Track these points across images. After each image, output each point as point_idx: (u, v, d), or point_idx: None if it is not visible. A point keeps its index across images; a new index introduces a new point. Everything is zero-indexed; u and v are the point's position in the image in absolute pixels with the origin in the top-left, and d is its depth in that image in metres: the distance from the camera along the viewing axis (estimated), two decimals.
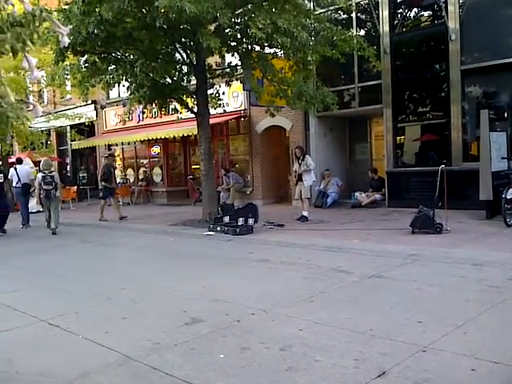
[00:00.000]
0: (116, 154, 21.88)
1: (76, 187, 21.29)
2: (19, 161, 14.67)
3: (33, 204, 15.37)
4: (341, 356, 3.67)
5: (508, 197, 9.07)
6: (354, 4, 13.03)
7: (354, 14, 13.48)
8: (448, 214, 8.91)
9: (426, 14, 13.18)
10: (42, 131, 20.84)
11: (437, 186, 9.06)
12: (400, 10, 13.26)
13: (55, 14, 9.92)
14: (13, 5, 1.72)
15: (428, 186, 10.50)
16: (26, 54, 1.70)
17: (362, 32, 13.86)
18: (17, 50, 1.66)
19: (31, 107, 1.95)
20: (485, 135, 9.91)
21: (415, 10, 13.21)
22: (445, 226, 8.70)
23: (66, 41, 1.85)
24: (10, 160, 21.14)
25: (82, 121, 20.50)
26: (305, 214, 11.37)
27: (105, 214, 13.88)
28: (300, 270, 6.75)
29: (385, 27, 12.87)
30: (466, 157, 11.87)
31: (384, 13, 12.86)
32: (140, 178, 20.81)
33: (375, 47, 12.14)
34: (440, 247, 7.56)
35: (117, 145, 21.18)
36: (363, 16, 13.98)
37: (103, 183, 14.07)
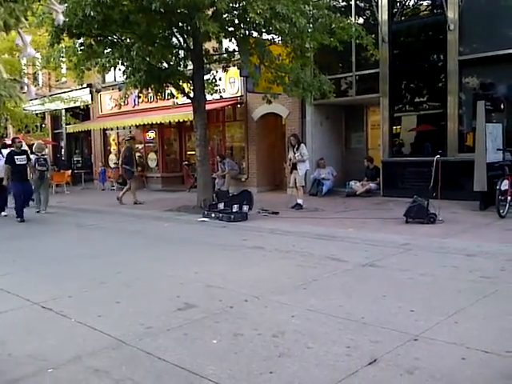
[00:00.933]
0: (111, 139, 21.82)
1: (70, 171, 21.20)
2: (4, 145, 14.46)
3: None
4: (333, 343, 3.69)
5: (502, 188, 9.10)
6: None
7: (353, 2, 13.39)
8: (442, 205, 8.94)
9: (425, 3, 13.10)
10: (36, 114, 20.70)
11: (432, 176, 9.07)
12: None
13: None
14: None
15: (423, 176, 10.51)
16: (20, 31, 1.67)
17: (361, 20, 13.77)
18: (10, 26, 1.63)
19: (25, 89, 1.93)
20: (481, 126, 9.91)
21: None
22: (438, 216, 8.73)
23: (61, 18, 1.82)
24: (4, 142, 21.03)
25: (77, 104, 20.37)
26: (299, 201, 11.38)
27: (107, 198, 13.99)
28: (294, 257, 6.77)
29: (384, 15, 12.79)
30: (462, 148, 11.89)
31: (383, 1, 12.77)
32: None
33: (373, 36, 12.07)
34: (433, 237, 7.59)
35: (112, 129, 21.07)
36: (362, 4, 13.88)
37: (125, 166, 14.14)
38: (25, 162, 11.53)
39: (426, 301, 4.62)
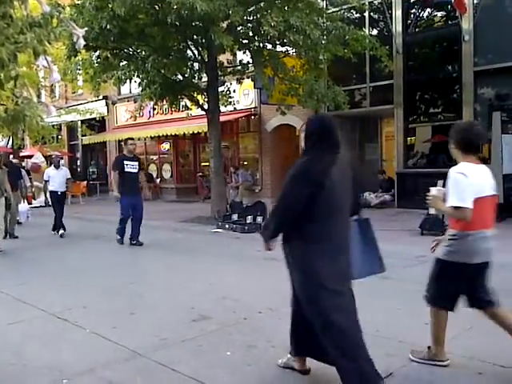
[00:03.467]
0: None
1: (86, 182, 21.40)
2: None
3: (41, 199, 15.41)
4: None
5: None
6: (366, 3, 12.97)
7: (366, 14, 13.41)
8: None
9: (439, 14, 13.09)
10: (53, 126, 20.96)
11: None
12: (413, 10, 13.17)
13: (68, 9, 9.96)
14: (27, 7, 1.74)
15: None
16: (47, 58, 1.73)
17: (375, 31, 13.79)
18: (39, 53, 1.68)
19: (45, 108, 1.98)
20: (497, 137, 9.83)
21: (428, 10, 13.13)
22: None
23: (82, 43, 1.88)
24: (22, 154, 21.34)
25: (93, 116, 20.60)
26: None
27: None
28: None
29: (398, 27, 12.80)
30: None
31: (397, 12, 12.79)
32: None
33: (387, 47, 12.08)
34: None
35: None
36: (376, 15, 13.91)
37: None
38: (136, 170, 9.28)
39: None
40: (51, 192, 10.82)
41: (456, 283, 3.41)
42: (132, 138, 10.20)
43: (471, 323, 4.24)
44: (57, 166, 11.06)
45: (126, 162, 9.13)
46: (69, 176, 11.26)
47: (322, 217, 3.04)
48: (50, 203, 10.97)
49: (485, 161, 11.07)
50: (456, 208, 3.22)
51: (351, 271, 3.29)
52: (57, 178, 10.77)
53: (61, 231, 10.79)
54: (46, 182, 10.92)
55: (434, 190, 3.57)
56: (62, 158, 12.47)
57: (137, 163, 9.36)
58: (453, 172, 3.34)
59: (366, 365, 2.97)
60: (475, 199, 3.21)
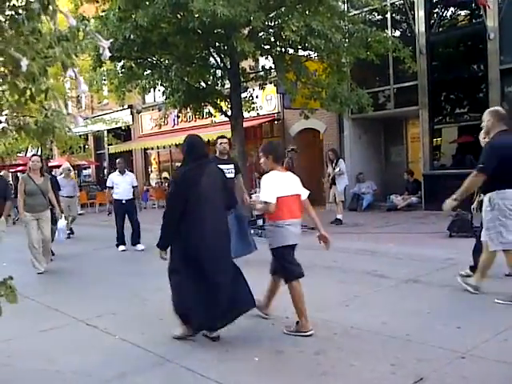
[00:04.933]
0: (152, 158, 22.24)
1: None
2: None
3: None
4: (377, 361, 3.62)
5: None
6: (388, 5, 12.87)
7: (388, 15, 13.30)
8: None
9: (463, 13, 12.90)
10: (80, 136, 21.34)
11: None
12: (436, 10, 13.01)
13: (92, 21, 10.15)
14: (55, 22, 1.78)
15: None
16: (75, 71, 1.77)
17: (397, 33, 13.67)
18: (67, 66, 1.73)
19: (72, 118, 2.03)
20: None
21: (452, 9, 12.95)
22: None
23: (108, 54, 1.92)
24: (50, 164, 21.75)
25: (119, 125, 20.92)
26: (339, 217, 11.27)
27: (148, 216, 14.04)
28: (335, 273, 6.70)
29: (420, 27, 12.65)
30: None
31: (420, 13, 12.65)
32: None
33: (411, 48, 11.94)
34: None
35: (152, 148, 21.47)
36: (398, 16, 13.78)
37: None
38: (233, 175, 7.44)
39: (473, 317, 4.48)
40: (115, 200, 9.86)
41: (291, 258, 4.46)
42: (223, 136, 7.87)
43: (505, 326, 4.15)
44: (122, 172, 9.97)
45: (219, 167, 7.17)
46: (135, 183, 10.11)
47: (192, 210, 4.10)
48: (113, 213, 10.06)
49: None
50: (265, 202, 4.29)
51: (226, 251, 4.36)
52: (122, 184, 9.77)
53: (121, 247, 9.82)
54: (110, 188, 9.93)
55: (254, 197, 4.97)
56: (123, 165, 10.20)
57: (232, 166, 7.47)
58: (265, 177, 4.47)
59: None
60: (279, 197, 4.29)
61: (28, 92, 1.75)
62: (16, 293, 2.44)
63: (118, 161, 10.36)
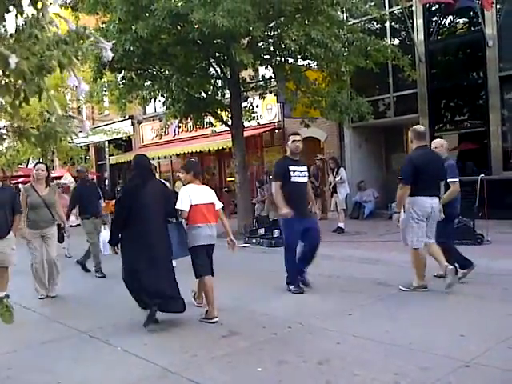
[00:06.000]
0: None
1: (114, 201, 21.65)
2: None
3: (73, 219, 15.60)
4: (380, 370, 3.60)
5: None
6: (387, 13, 12.94)
7: (387, 24, 13.37)
8: (489, 225, 8.67)
9: (461, 21, 12.96)
10: (81, 147, 21.39)
11: (476, 195, 8.84)
12: (435, 18, 13.07)
13: (93, 32, 10.19)
14: (57, 27, 1.79)
15: (467, 195, 10.21)
16: (73, 69, 1.77)
17: (396, 41, 13.73)
18: (64, 65, 1.72)
19: (79, 123, 2.02)
20: None
21: (450, 17, 13.01)
22: (486, 236, 8.46)
23: (110, 55, 1.92)
24: (52, 175, 21.76)
25: (120, 136, 20.96)
26: (341, 225, 11.26)
27: None
28: (337, 282, 6.68)
29: (419, 36, 12.72)
30: (507, 166, 11.55)
31: (418, 21, 12.72)
32: None
33: (410, 56, 12.00)
34: (481, 258, 7.33)
35: (153, 159, 21.48)
36: (397, 25, 13.85)
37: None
38: (306, 180, 6.55)
39: (476, 325, 4.46)
40: None
41: (203, 257, 5.21)
42: (297, 133, 6.90)
43: (507, 334, 4.12)
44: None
45: (292, 168, 6.30)
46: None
47: (134, 220, 4.98)
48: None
49: None
50: (180, 210, 5.18)
51: (167, 254, 5.17)
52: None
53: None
54: None
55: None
56: None
57: (306, 169, 6.56)
58: (182, 189, 5.36)
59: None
60: (193, 205, 5.16)
61: (22, 93, 1.74)
62: (12, 311, 2.36)
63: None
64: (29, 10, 1.78)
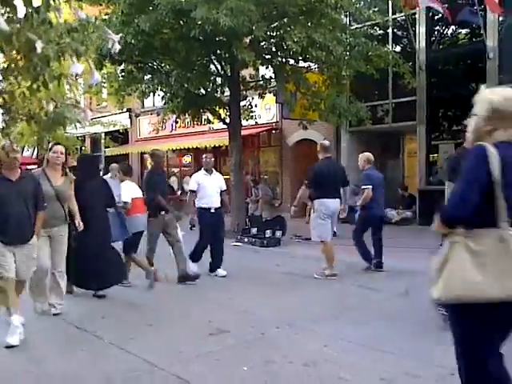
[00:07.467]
0: (148, 163, 22.19)
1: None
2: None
3: None
4: (366, 375, 3.61)
5: None
6: (390, 20, 12.98)
7: (390, 30, 13.42)
8: None
9: (463, 31, 13.03)
10: (77, 137, 21.29)
11: None
12: (437, 27, 13.14)
13: (97, 22, 10.16)
14: (60, 16, 1.80)
15: None
16: (88, 59, 1.79)
17: (398, 48, 13.77)
18: (81, 54, 1.74)
19: (82, 112, 2.03)
20: None
21: (452, 27, 13.06)
22: None
23: (118, 47, 1.93)
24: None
25: (117, 128, 20.88)
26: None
27: None
28: (327, 285, 6.68)
29: (421, 43, 12.76)
30: None
31: (421, 29, 12.76)
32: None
33: (411, 63, 12.04)
34: None
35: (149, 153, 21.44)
36: (399, 32, 13.90)
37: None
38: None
39: None
40: (200, 210, 7.30)
41: (134, 242, 6.69)
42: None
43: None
44: (209, 171, 7.51)
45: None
46: (224, 187, 7.60)
47: (82, 205, 5.64)
48: (198, 225, 7.52)
49: None
50: (124, 202, 6.46)
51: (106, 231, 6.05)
52: (209, 187, 7.29)
53: (221, 271, 7.32)
54: (193, 192, 7.42)
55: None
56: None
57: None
58: (123, 185, 6.67)
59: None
60: (132, 198, 6.53)
61: (41, 78, 1.74)
62: None
63: (204, 157, 7.83)
64: None
